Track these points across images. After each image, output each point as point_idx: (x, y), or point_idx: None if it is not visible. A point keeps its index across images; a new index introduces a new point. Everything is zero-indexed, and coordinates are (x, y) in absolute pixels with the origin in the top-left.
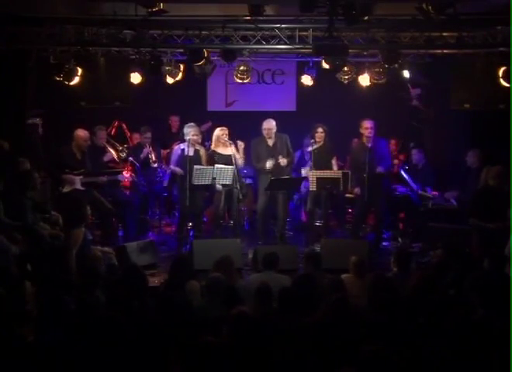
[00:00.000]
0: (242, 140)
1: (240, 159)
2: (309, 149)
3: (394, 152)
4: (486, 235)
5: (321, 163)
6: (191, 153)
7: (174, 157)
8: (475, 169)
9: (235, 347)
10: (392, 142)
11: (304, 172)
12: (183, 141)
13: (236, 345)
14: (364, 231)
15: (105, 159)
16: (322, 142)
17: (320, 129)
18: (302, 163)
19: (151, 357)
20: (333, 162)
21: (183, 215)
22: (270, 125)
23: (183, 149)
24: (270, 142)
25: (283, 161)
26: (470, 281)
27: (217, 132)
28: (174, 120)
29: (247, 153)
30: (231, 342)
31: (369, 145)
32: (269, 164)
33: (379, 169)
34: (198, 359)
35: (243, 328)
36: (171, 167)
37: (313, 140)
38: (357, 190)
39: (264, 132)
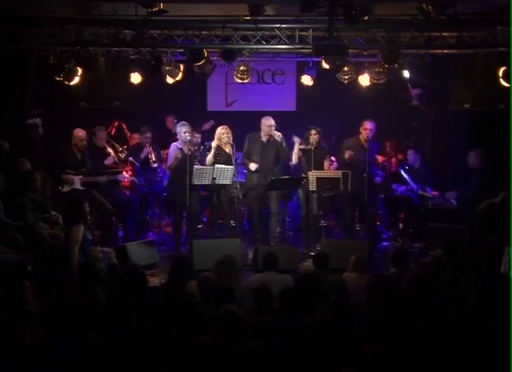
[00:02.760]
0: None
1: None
2: (301, 146)
3: (391, 153)
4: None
5: (314, 164)
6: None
7: (171, 154)
8: (477, 169)
9: (223, 347)
10: (387, 144)
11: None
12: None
13: (224, 344)
14: (359, 232)
15: (106, 162)
16: (315, 144)
17: (313, 131)
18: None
19: (151, 357)
20: (325, 162)
21: (179, 215)
22: (270, 122)
23: (181, 148)
24: (265, 138)
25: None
26: (468, 281)
27: (219, 130)
28: (169, 120)
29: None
30: (219, 341)
31: (366, 146)
32: (253, 167)
33: (377, 180)
34: (197, 359)
35: (231, 327)
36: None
37: (297, 138)
38: (348, 152)
39: (266, 130)
